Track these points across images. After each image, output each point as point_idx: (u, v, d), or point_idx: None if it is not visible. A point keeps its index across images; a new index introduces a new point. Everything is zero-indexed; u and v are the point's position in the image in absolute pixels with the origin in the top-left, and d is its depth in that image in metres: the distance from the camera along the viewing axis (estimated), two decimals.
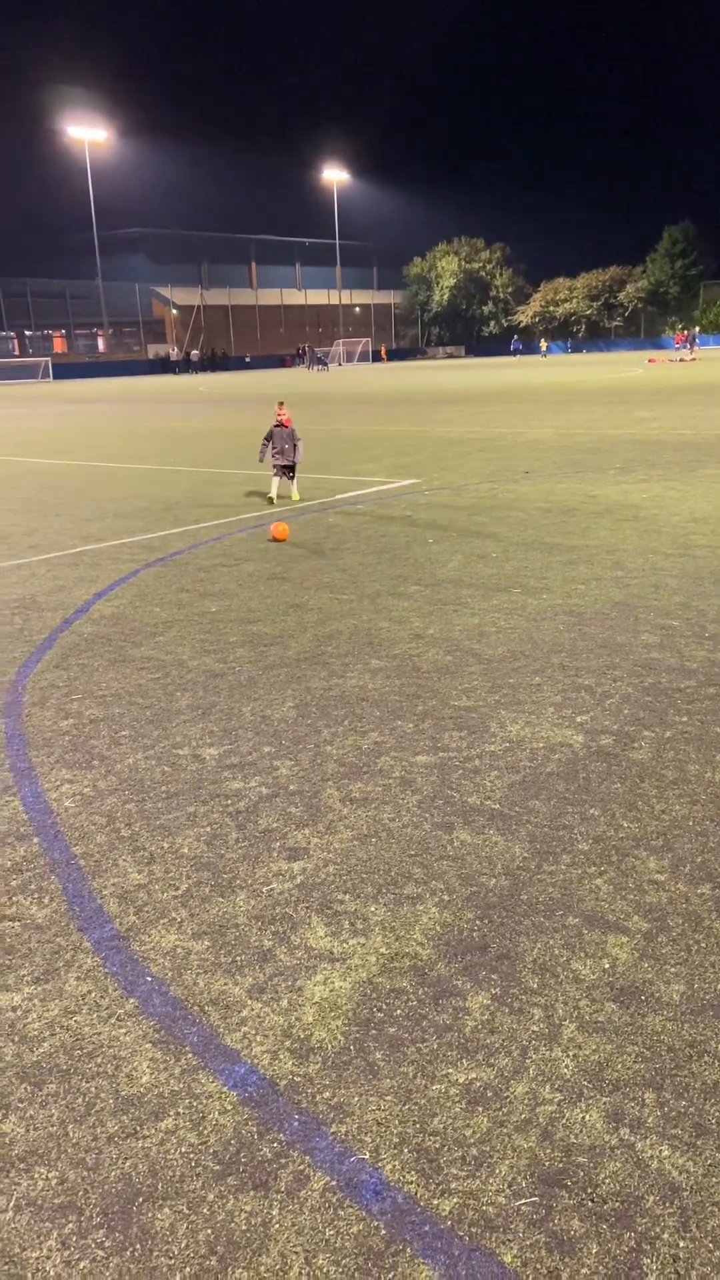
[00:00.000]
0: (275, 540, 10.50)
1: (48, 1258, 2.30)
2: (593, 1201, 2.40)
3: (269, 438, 12.60)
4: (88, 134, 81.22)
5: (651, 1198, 2.40)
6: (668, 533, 10.16)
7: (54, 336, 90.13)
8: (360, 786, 4.63)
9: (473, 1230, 2.33)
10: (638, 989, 3.16)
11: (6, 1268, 2.27)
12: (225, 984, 3.26)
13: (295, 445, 12.64)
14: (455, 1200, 2.41)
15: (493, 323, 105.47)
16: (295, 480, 12.96)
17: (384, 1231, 2.33)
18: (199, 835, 4.25)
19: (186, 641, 7.03)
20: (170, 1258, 2.29)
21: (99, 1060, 2.93)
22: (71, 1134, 2.66)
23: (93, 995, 3.23)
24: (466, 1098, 2.73)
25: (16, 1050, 2.98)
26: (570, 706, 5.51)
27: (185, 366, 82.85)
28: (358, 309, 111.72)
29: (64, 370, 77.05)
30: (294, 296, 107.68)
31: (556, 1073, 2.81)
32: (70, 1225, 2.38)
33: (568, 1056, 2.87)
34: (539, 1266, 2.23)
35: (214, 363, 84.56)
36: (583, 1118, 2.65)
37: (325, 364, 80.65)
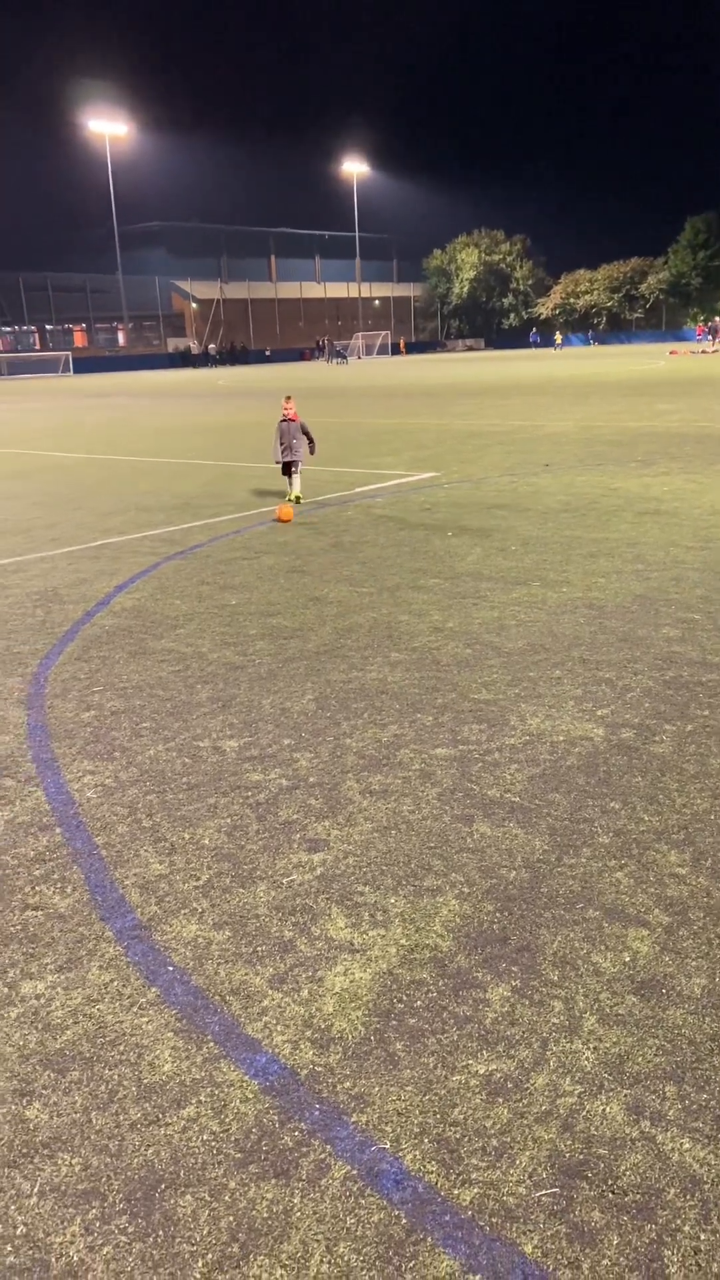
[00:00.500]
0: (280, 521, 11.09)
1: (71, 1243, 2.32)
2: (613, 1193, 2.40)
3: (279, 435, 12.18)
4: (108, 128, 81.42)
5: (672, 1190, 2.40)
6: (689, 526, 10.10)
7: (74, 330, 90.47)
8: (380, 779, 4.64)
9: (493, 1220, 2.33)
10: (659, 982, 3.15)
11: (31, 1252, 2.30)
12: (246, 974, 3.27)
13: (310, 440, 12.29)
14: (476, 1190, 2.42)
15: (513, 315, 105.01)
16: (298, 478, 12.40)
17: (405, 1221, 2.34)
18: (219, 826, 4.26)
19: (206, 634, 7.05)
20: (192, 1244, 2.30)
21: (121, 1048, 2.95)
22: (95, 1121, 2.68)
23: (115, 984, 3.25)
24: (487, 1089, 2.74)
25: (40, 1038, 3.01)
26: (591, 700, 5.49)
27: (205, 360, 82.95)
28: (377, 302, 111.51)
29: (84, 364, 77.33)
30: (313, 290, 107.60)
31: (577, 1065, 2.81)
32: (94, 1211, 2.41)
33: (588, 1049, 2.87)
34: (559, 1257, 2.23)
35: (233, 356, 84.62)
36: (603, 1110, 2.65)
37: (344, 357, 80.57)
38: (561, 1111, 2.65)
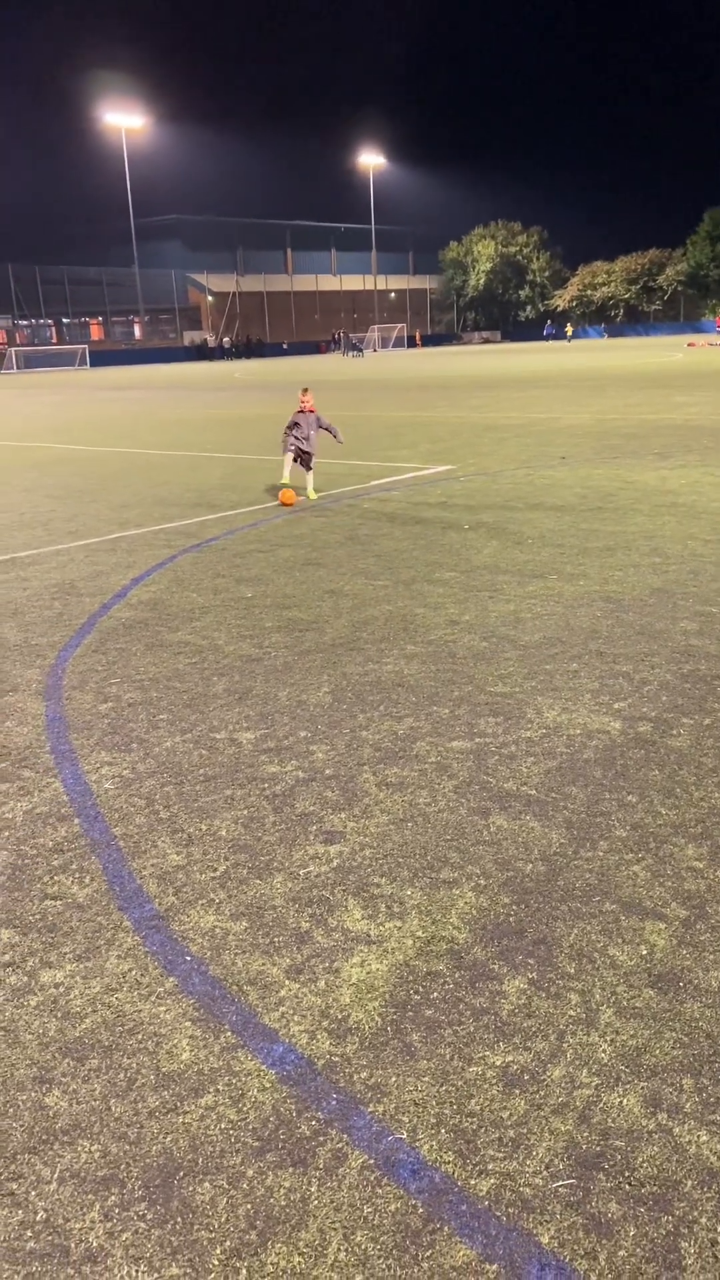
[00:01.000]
0: (284, 505, 11.53)
1: (90, 1229, 2.34)
2: (630, 1185, 2.40)
3: (293, 425, 12.13)
4: (125, 120, 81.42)
5: (689, 1182, 2.40)
6: (706, 519, 10.05)
7: (91, 324, 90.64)
8: (396, 771, 4.64)
9: (510, 1211, 2.34)
10: (676, 975, 3.15)
11: (51, 1238, 2.32)
12: (263, 964, 3.29)
13: (331, 432, 12.33)
14: (492, 1181, 2.42)
15: (529, 307, 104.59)
16: (311, 473, 12.37)
17: (421, 1210, 2.35)
18: (236, 818, 4.28)
19: (223, 627, 7.07)
20: (210, 1231, 2.32)
21: (140, 1037, 2.97)
22: (113, 1108, 2.70)
23: (133, 973, 3.27)
24: (503, 1080, 2.74)
25: (59, 1026, 3.04)
26: (608, 693, 5.48)
27: (220, 353, 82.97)
28: (393, 294, 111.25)
29: (100, 357, 77.50)
30: (329, 282, 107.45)
31: (594, 1057, 2.81)
32: (113, 1198, 2.43)
33: (605, 1041, 2.87)
34: (576, 1248, 2.24)
35: (249, 349, 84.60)
36: (620, 1102, 2.65)
37: (360, 350, 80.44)
38: (578, 1103, 2.65)
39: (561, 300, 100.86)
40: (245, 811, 4.33)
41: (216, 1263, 2.24)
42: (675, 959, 3.23)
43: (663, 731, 4.94)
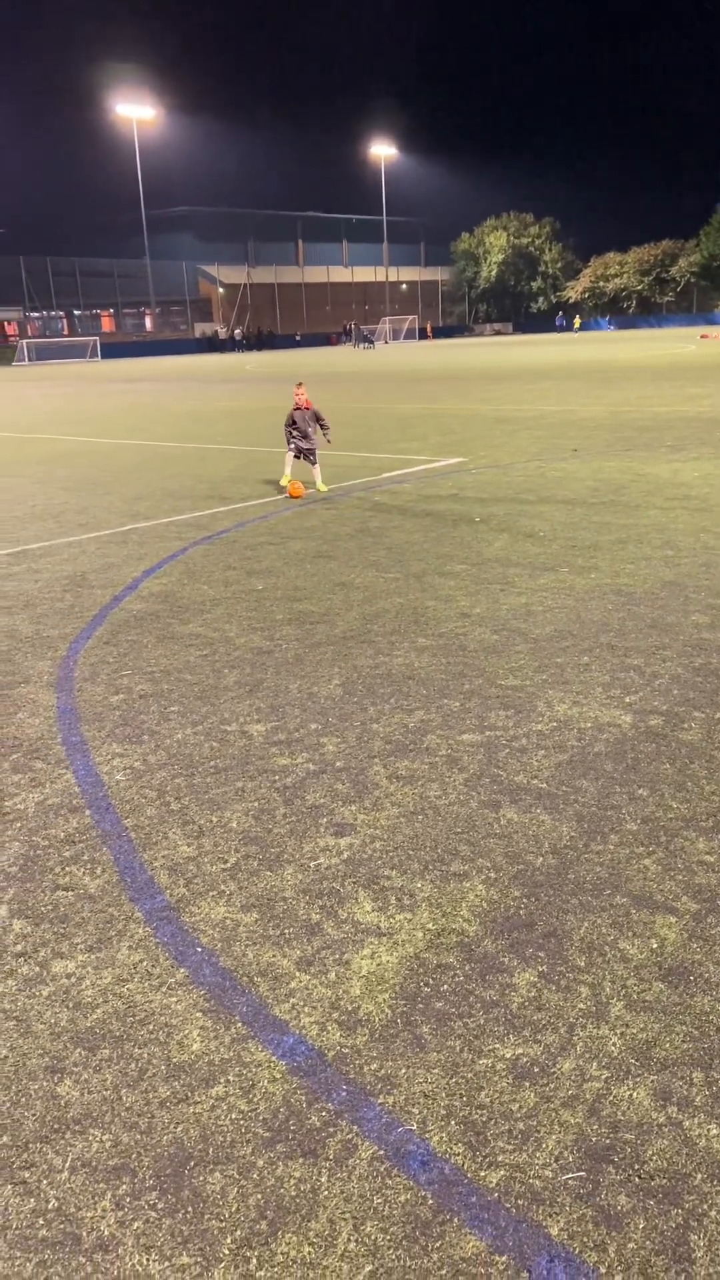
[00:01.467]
0: (292, 497, 11.65)
1: (102, 1218, 2.36)
2: (640, 1178, 2.40)
3: (291, 423, 12.06)
4: (136, 112, 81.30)
5: (699, 1175, 2.40)
6: (719, 512, 10.00)
7: (102, 316, 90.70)
8: (407, 764, 4.64)
9: (520, 1202, 2.35)
10: (686, 969, 3.15)
11: (63, 1226, 2.34)
12: (274, 956, 3.30)
13: (323, 428, 12.21)
14: (502, 1172, 2.43)
15: (541, 299, 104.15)
16: (318, 466, 12.33)
17: (431, 1201, 2.36)
18: (247, 810, 4.29)
19: (234, 619, 7.08)
20: (221, 1220, 2.33)
21: (151, 1027, 2.99)
22: (125, 1098, 2.72)
23: (144, 964, 3.29)
24: (513, 1073, 2.75)
25: (71, 1016, 3.05)
26: (619, 686, 5.47)
27: (231, 345, 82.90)
28: (404, 286, 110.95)
29: (111, 350, 77.56)
30: (340, 274, 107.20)
31: (604, 1050, 2.81)
32: (124, 1187, 2.44)
33: (615, 1034, 2.87)
34: (586, 1239, 2.24)
35: (260, 341, 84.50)
36: (630, 1095, 2.65)
37: (371, 342, 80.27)
38: (588, 1096, 2.65)
39: (573, 292, 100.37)
40: (256, 803, 4.34)
41: (227, 1252, 2.25)
42: (686, 953, 3.23)
43: (674, 725, 4.93)
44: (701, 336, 62.50)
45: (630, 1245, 2.23)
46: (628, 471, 12.64)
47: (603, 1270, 2.17)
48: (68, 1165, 2.51)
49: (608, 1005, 3.00)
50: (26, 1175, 2.48)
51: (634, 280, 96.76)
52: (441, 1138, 2.54)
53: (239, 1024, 2.99)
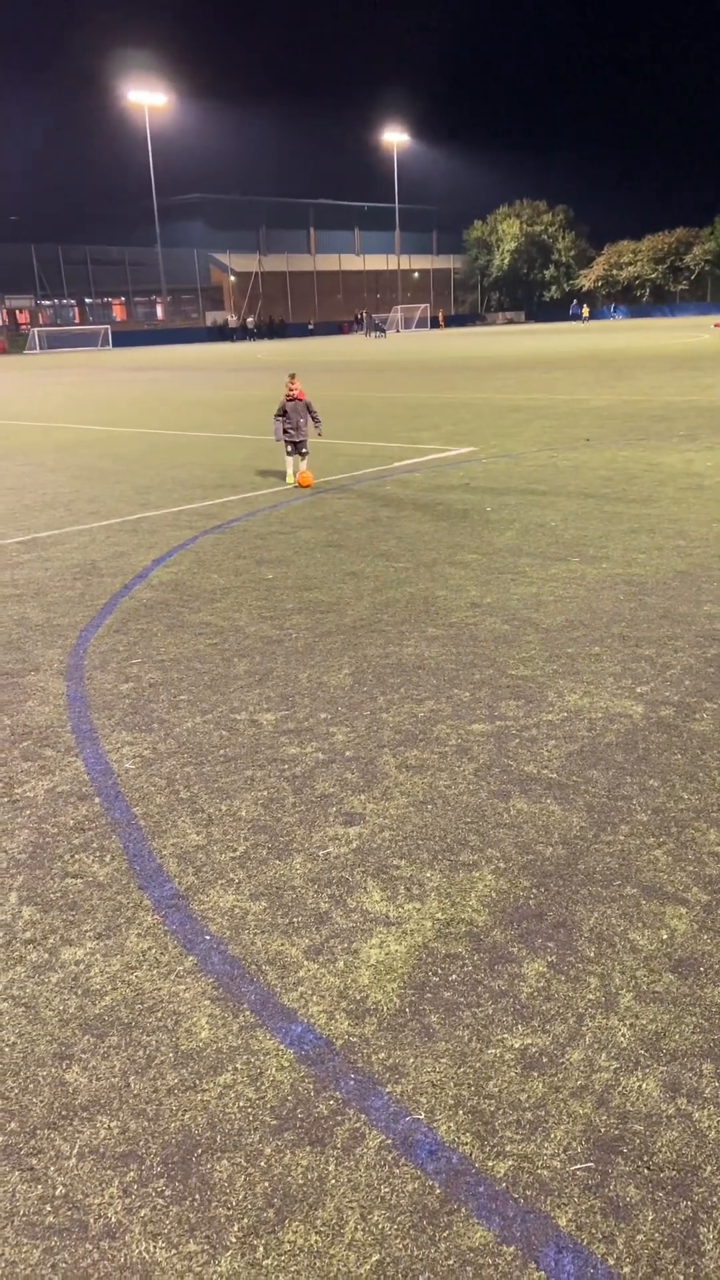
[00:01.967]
0: (301, 487, 11.63)
1: (110, 1204, 2.36)
2: (649, 1169, 2.39)
3: (282, 413, 11.79)
4: (148, 98, 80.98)
5: (709, 1167, 2.39)
6: None
7: (113, 304, 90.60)
8: (416, 754, 4.63)
9: (528, 1193, 2.34)
10: (696, 960, 3.13)
11: (70, 1213, 2.34)
12: (282, 944, 3.29)
13: (314, 419, 11.94)
14: (510, 1163, 2.42)
15: (554, 287, 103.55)
16: (306, 459, 12.01)
17: (439, 1191, 2.35)
18: (256, 799, 4.28)
19: (244, 608, 7.07)
20: (228, 1208, 2.33)
21: (159, 1015, 2.99)
22: (133, 1085, 2.72)
23: (153, 952, 3.29)
24: (522, 1063, 2.73)
25: (80, 1003, 3.06)
26: (630, 677, 5.44)
27: (242, 334, 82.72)
28: (416, 274, 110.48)
29: (122, 338, 77.48)
30: (352, 262, 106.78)
31: (613, 1041, 2.80)
32: (131, 1174, 2.44)
33: (624, 1025, 2.86)
34: (594, 1231, 2.23)
35: (271, 330, 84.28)
36: (639, 1086, 2.64)
37: (383, 330, 80.00)
38: (597, 1087, 2.64)
39: (587, 280, 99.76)
40: (265, 792, 4.34)
41: (234, 1240, 2.25)
42: (696, 944, 3.21)
43: (685, 715, 4.90)
44: (715, 325, 62.09)
45: (639, 1237, 2.22)
46: (640, 461, 12.57)
47: (611, 1262, 2.16)
48: (75, 1152, 2.51)
49: (617, 996, 2.98)
50: (34, 1162, 2.49)
51: (647, 269, 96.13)
52: (449, 1127, 2.53)
53: (247, 1012, 2.98)
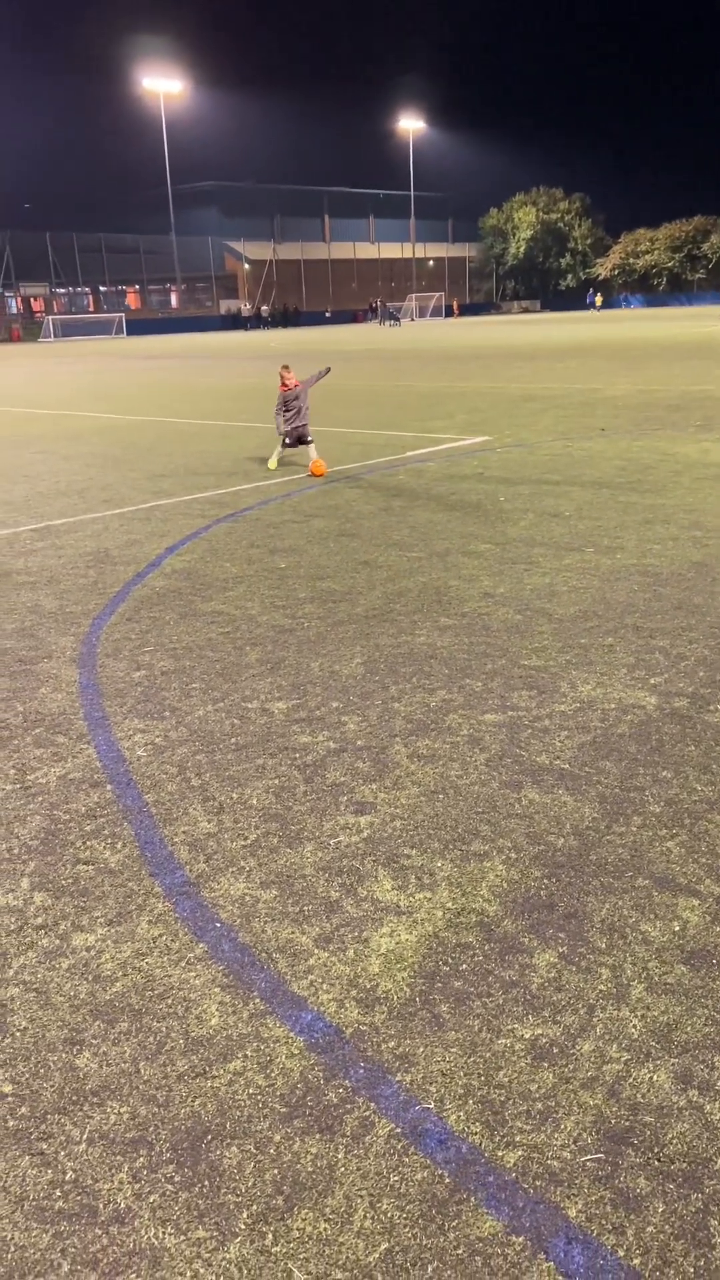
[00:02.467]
0: (316, 475, 11.56)
1: (119, 1189, 2.37)
2: (659, 1161, 2.38)
3: (284, 405, 11.86)
4: (163, 86, 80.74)
5: None
6: None
7: (127, 292, 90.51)
8: (428, 743, 4.62)
9: (537, 1183, 2.33)
10: (709, 952, 3.11)
11: (80, 1198, 2.35)
12: (293, 932, 3.29)
13: (320, 376, 11.98)
14: (520, 1153, 2.41)
15: (570, 276, 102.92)
16: (313, 445, 11.97)
17: (448, 1180, 2.35)
18: (267, 787, 4.28)
19: (256, 597, 7.06)
20: (238, 1195, 2.34)
21: (169, 1001, 2.99)
22: (143, 1071, 2.72)
23: (164, 939, 3.29)
24: (532, 1053, 2.73)
25: (90, 988, 3.06)
26: (644, 668, 5.41)
27: (256, 322, 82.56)
28: (431, 262, 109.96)
29: (136, 326, 77.43)
30: (367, 250, 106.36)
31: (624, 1032, 2.79)
32: (141, 1159, 2.45)
33: (635, 1016, 2.85)
34: (604, 1222, 2.23)
35: (285, 318, 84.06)
36: (650, 1078, 2.63)
37: (397, 319, 79.70)
38: (607, 1078, 2.63)
39: (603, 269, 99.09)
40: (276, 781, 4.33)
41: (243, 1226, 2.25)
42: (709, 936, 3.19)
43: (700, 707, 4.87)
44: None
45: (649, 1229, 2.21)
46: (655, 451, 12.49)
47: (621, 1253, 2.15)
48: (85, 1137, 2.52)
49: (628, 987, 2.97)
50: (44, 1146, 2.50)
51: (664, 257, 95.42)
52: (459, 1117, 2.53)
53: (257, 1000, 2.98)
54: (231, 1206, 2.31)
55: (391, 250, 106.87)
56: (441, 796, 4.14)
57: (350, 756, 4.52)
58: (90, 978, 3.12)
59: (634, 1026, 2.81)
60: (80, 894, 3.57)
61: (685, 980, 2.99)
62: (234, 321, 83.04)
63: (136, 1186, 2.37)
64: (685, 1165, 2.37)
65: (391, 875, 3.60)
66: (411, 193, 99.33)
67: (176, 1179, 2.39)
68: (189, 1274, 2.15)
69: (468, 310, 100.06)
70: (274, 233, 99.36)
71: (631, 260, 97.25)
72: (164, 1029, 2.88)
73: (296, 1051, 2.77)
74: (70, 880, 3.66)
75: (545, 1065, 2.68)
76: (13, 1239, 2.25)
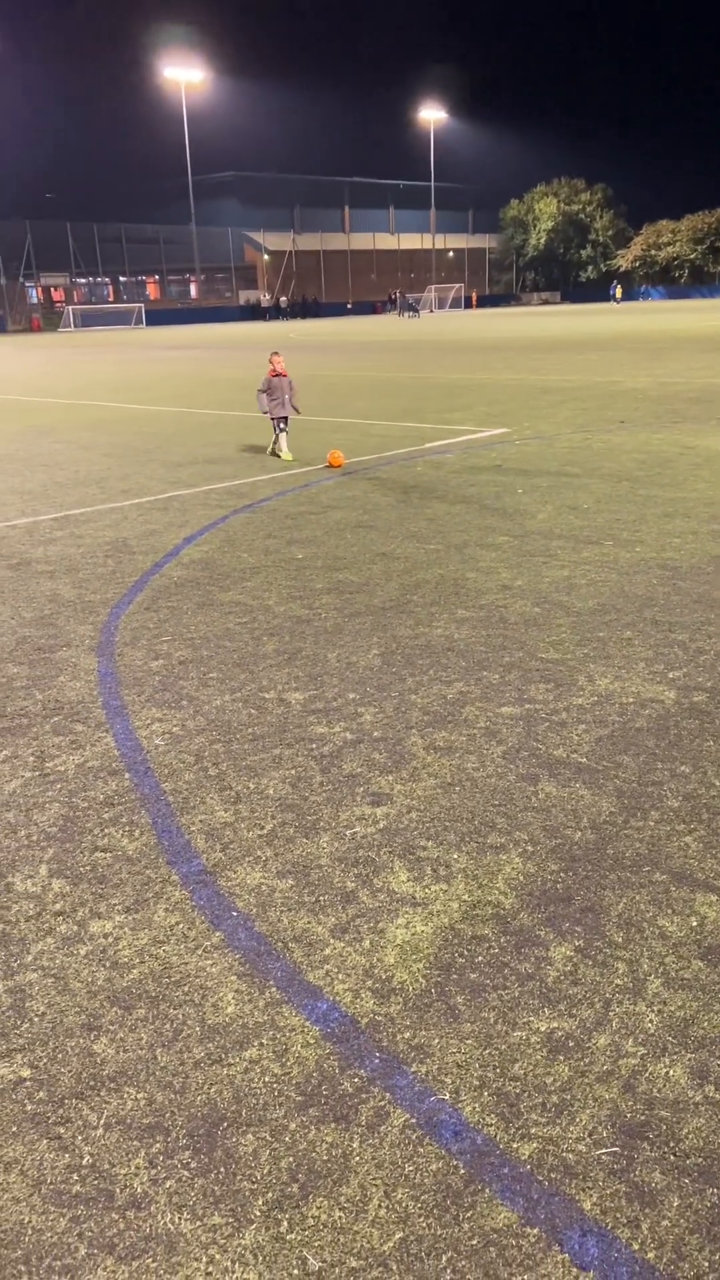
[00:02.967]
0: (334, 467, 11.54)
1: (135, 1175, 2.38)
2: (675, 1156, 2.38)
3: (266, 389, 12.28)
4: (184, 75, 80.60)
5: None
6: None
7: (147, 282, 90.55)
8: (444, 735, 4.61)
9: (552, 1176, 2.33)
10: None
11: (96, 1182, 2.36)
12: (308, 922, 3.30)
13: (292, 402, 12.26)
14: (535, 1145, 2.41)
15: (590, 268, 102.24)
16: (286, 434, 12.51)
17: (463, 1171, 2.35)
18: (284, 777, 4.29)
19: (273, 587, 7.07)
20: (253, 1182, 2.35)
21: (186, 989, 3.00)
22: (159, 1058, 2.74)
23: (180, 927, 3.30)
24: (548, 1046, 2.73)
25: (108, 975, 3.08)
26: (662, 662, 5.38)
27: (275, 313, 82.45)
28: (451, 254, 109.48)
29: (156, 316, 77.49)
30: (386, 241, 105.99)
31: (640, 1027, 2.78)
32: (157, 1145, 2.46)
33: (652, 1011, 2.84)
34: (619, 1216, 2.22)
35: (304, 309, 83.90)
36: (666, 1073, 2.62)
37: (416, 310, 79.44)
38: (623, 1072, 2.63)
39: (624, 260, 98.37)
40: (293, 771, 4.34)
41: (258, 1214, 2.26)
42: None
43: (719, 702, 4.85)
44: None
45: (664, 1223, 2.21)
46: (676, 444, 12.41)
47: (636, 1247, 2.15)
48: (102, 1122, 2.54)
49: (645, 982, 2.96)
50: (62, 1131, 2.51)
51: (687, 249, 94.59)
52: (474, 1108, 2.53)
53: (273, 989, 2.99)
54: (247, 1193, 2.32)
55: (411, 241, 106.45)
56: (458, 789, 4.13)
57: (367, 748, 4.52)
58: (108, 964, 3.14)
59: (650, 1021, 2.81)
60: (98, 881, 3.59)
61: (702, 976, 2.98)
62: (253, 312, 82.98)
63: (153, 1172, 2.39)
64: (701, 1160, 2.36)
65: (407, 867, 3.60)
66: (432, 183, 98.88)
67: (192, 1165, 2.40)
68: (204, 1259, 2.16)
69: (487, 302, 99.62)
70: (294, 223, 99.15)
71: (653, 252, 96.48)
72: (180, 1016, 2.89)
73: (312, 1041, 2.78)
74: (88, 867, 3.68)
75: (561, 1058, 2.68)
76: (30, 1222, 2.27)
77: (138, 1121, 2.53)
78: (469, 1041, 2.75)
